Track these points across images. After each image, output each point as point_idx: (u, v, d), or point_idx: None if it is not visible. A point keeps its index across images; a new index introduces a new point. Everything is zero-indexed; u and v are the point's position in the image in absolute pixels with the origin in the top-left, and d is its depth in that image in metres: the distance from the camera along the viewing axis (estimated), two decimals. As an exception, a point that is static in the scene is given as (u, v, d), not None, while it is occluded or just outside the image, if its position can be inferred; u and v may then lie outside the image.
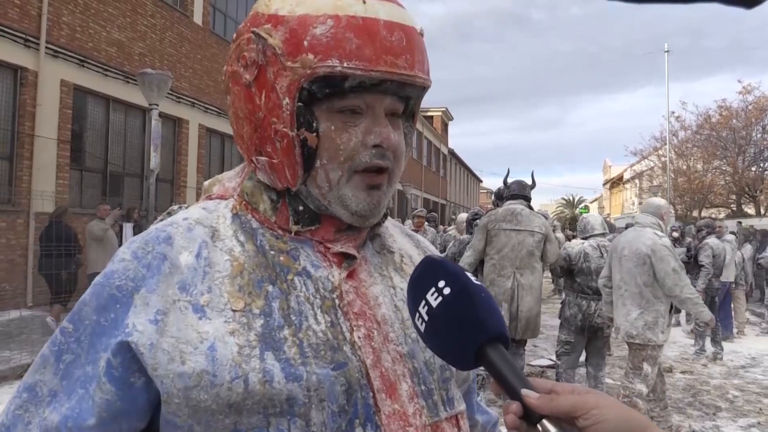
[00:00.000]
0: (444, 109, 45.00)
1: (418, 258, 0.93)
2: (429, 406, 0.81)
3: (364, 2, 0.75)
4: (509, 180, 5.73)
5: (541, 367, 7.21)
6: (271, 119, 0.77)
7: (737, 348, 9.02)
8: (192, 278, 0.75)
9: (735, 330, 10.14)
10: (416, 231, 9.16)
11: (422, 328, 0.65)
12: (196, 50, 14.39)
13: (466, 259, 5.32)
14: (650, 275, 4.29)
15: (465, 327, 0.61)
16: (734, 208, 30.56)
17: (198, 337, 0.72)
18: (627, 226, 8.20)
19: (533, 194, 5.69)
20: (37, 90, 9.92)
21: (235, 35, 0.82)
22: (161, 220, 0.86)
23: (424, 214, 9.95)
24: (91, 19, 11.16)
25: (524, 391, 0.58)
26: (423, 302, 0.64)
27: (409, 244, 0.99)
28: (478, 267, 5.45)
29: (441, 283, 0.64)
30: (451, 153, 49.31)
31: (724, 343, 8.42)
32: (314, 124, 0.77)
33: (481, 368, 0.63)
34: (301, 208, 0.82)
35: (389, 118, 0.81)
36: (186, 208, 0.87)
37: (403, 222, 13.30)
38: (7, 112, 9.68)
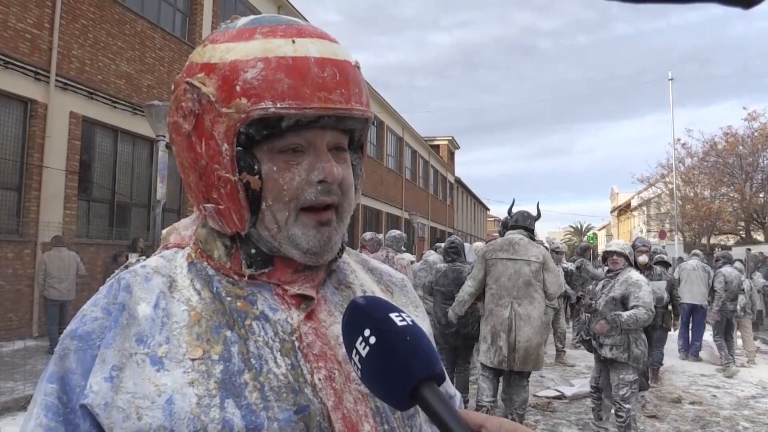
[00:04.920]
0: (450, 138, 45.25)
1: (380, 293, 0.93)
2: None
3: (294, 42, 0.76)
4: (514, 210, 5.73)
5: (548, 398, 7.10)
6: (213, 166, 0.77)
7: (747, 377, 8.88)
8: (150, 329, 0.74)
9: (746, 359, 10.05)
10: None
11: (359, 374, 0.66)
12: (203, 82, 14.56)
13: (467, 290, 5.29)
14: None
15: (393, 374, 0.62)
16: (743, 235, 30.36)
17: (156, 391, 0.69)
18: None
19: (540, 223, 5.67)
20: (46, 122, 10.08)
21: (173, 86, 0.83)
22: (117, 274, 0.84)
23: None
24: (101, 52, 11.38)
25: None
26: (354, 351, 0.66)
27: (370, 279, 0.98)
28: (481, 297, 5.42)
29: (366, 332, 0.65)
30: (458, 181, 49.42)
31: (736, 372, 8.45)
32: (256, 167, 0.77)
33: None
34: (253, 251, 0.82)
35: (334, 153, 0.81)
36: (144, 260, 0.86)
37: (410, 251, 13.04)
38: (16, 143, 9.83)
